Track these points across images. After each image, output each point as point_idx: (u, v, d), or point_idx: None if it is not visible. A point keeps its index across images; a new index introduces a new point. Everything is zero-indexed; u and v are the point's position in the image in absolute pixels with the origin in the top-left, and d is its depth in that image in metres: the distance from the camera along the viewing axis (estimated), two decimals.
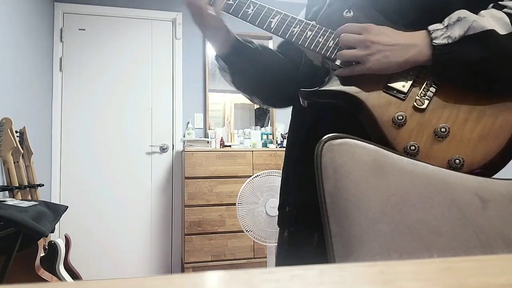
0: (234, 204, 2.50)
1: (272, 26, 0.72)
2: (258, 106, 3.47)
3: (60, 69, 3.10)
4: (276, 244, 0.91)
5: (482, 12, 0.61)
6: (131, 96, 3.20)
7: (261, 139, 3.28)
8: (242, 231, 2.19)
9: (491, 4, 0.63)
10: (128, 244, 3.09)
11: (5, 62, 2.15)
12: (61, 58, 3.11)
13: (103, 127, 3.13)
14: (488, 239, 0.46)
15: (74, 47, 3.14)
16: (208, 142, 3.06)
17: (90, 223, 3.03)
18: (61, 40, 3.12)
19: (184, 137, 3.22)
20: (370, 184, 0.44)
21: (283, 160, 0.88)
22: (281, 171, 0.88)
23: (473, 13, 0.61)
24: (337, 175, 0.44)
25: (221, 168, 2.83)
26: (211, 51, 3.36)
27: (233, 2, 0.74)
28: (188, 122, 3.28)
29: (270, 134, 3.38)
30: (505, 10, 0.60)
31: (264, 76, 0.86)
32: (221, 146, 3.10)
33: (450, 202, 0.46)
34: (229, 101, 3.39)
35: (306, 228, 0.74)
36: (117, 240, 3.06)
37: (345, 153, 0.45)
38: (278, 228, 0.86)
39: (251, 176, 2.26)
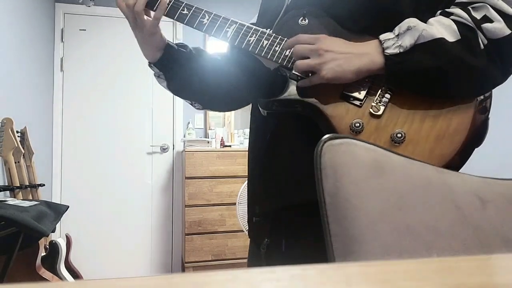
0: (234, 204, 2.51)
1: (228, 36, 0.71)
2: None
3: (61, 69, 3.11)
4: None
5: (431, 20, 0.62)
6: (132, 96, 3.20)
7: None
8: (242, 231, 2.19)
9: (439, 11, 0.64)
10: (128, 244, 3.09)
11: (6, 63, 2.15)
12: (62, 58, 3.11)
13: (104, 127, 3.13)
14: (488, 239, 0.46)
15: (75, 47, 3.14)
16: (208, 142, 3.06)
17: (91, 222, 3.03)
18: (62, 41, 3.12)
19: (184, 137, 3.22)
20: (369, 184, 0.44)
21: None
22: (247, 179, 0.86)
23: (423, 19, 0.62)
24: (337, 175, 0.44)
25: (221, 168, 2.83)
26: (211, 51, 3.36)
27: (187, 12, 0.73)
28: (189, 122, 3.28)
29: None
30: (452, 17, 0.61)
31: (200, 81, 0.84)
32: (221, 146, 3.10)
33: (449, 202, 0.47)
34: None
35: (277, 237, 0.73)
36: (118, 240, 3.07)
37: (345, 153, 0.45)
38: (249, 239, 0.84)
39: None
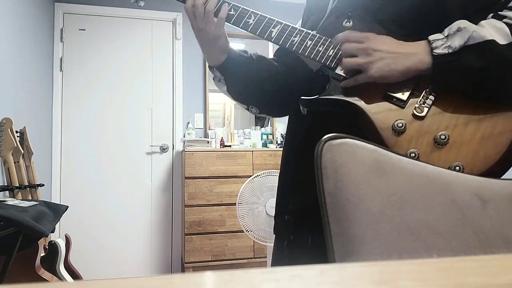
0: (234, 204, 2.50)
1: (273, 36, 0.73)
2: None
3: (61, 69, 3.10)
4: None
5: (482, 22, 0.61)
6: (131, 96, 3.20)
7: (261, 139, 3.28)
8: (242, 231, 2.19)
9: (491, 14, 0.63)
10: (128, 244, 3.09)
11: (5, 63, 2.15)
12: (61, 58, 3.11)
13: (104, 127, 3.13)
14: (488, 239, 0.46)
15: (75, 47, 3.14)
16: (208, 142, 3.06)
17: (91, 223, 3.03)
18: (61, 40, 3.12)
19: (184, 137, 3.22)
20: (370, 184, 0.44)
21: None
22: (278, 178, 0.87)
23: (473, 23, 0.61)
24: (337, 175, 0.44)
25: (221, 168, 2.83)
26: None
27: (234, 13, 0.75)
28: (188, 122, 3.28)
29: (270, 134, 3.38)
30: (505, 20, 0.60)
31: (259, 85, 0.86)
32: (221, 146, 3.10)
33: (450, 202, 0.46)
34: (229, 101, 3.39)
35: (304, 233, 0.74)
36: (117, 240, 3.07)
37: (345, 153, 0.45)
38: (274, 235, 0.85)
39: (251, 176, 2.26)
